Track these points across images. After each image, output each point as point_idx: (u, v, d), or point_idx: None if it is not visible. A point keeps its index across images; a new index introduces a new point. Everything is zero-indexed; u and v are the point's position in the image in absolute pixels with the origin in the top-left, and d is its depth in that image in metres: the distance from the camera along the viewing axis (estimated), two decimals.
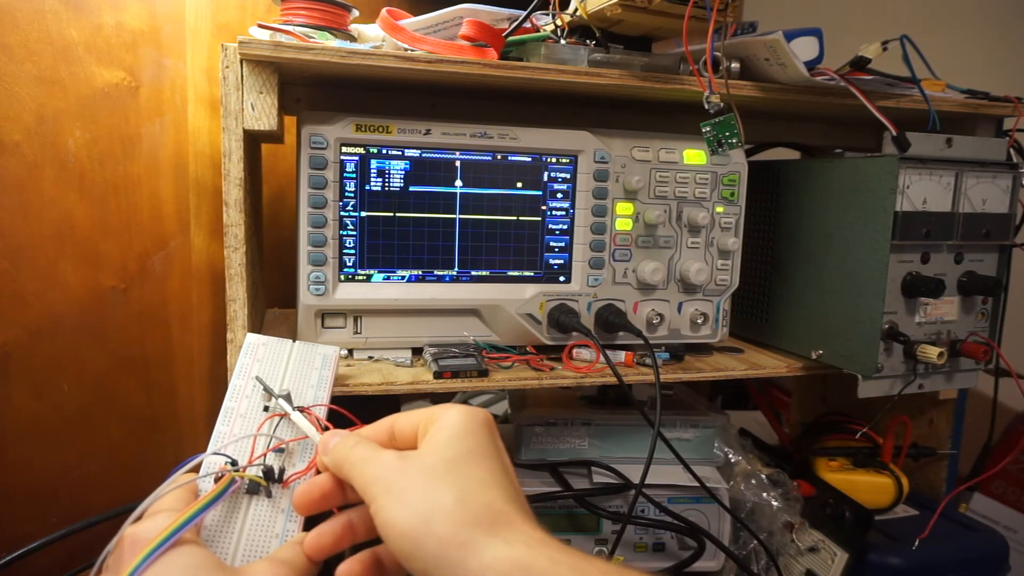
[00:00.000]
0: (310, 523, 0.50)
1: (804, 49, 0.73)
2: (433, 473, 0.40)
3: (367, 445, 0.44)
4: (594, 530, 0.80)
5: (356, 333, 0.72)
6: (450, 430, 0.42)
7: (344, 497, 0.46)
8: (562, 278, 0.76)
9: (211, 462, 0.50)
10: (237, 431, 0.53)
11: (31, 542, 0.55)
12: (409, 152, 0.70)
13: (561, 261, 0.75)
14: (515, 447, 0.81)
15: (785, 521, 0.81)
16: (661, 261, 0.76)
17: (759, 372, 0.78)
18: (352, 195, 0.69)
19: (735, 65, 0.72)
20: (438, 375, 0.67)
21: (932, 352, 0.71)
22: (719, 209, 0.77)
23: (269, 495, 0.49)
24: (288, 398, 0.54)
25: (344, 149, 0.68)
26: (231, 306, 0.64)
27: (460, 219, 0.72)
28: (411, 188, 0.70)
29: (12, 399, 0.86)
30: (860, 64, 0.72)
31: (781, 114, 0.92)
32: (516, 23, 0.69)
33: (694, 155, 0.76)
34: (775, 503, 0.80)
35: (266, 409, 0.54)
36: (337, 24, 0.72)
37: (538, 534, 0.38)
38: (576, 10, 0.70)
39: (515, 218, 0.74)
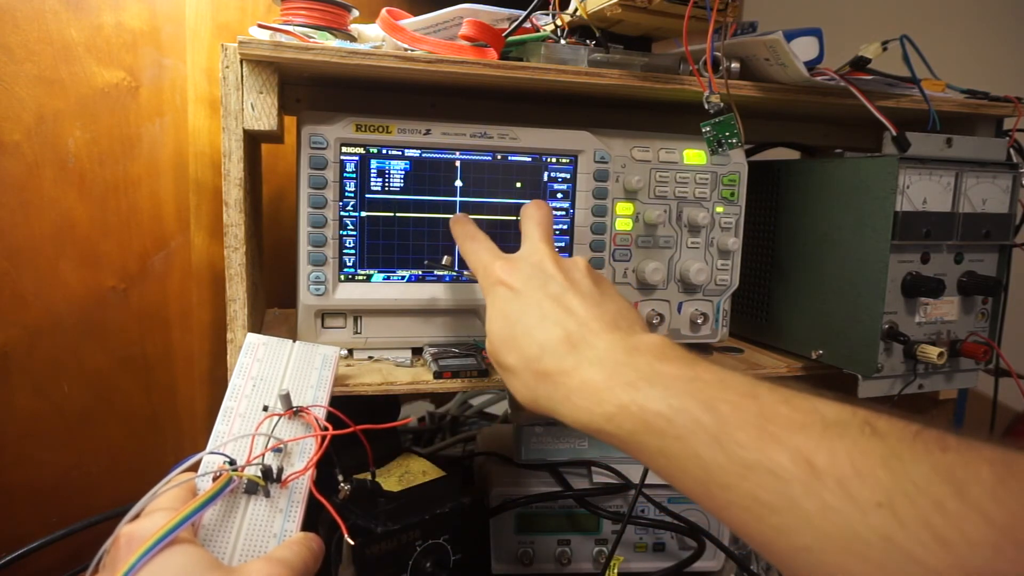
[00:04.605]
0: (308, 523, 0.50)
1: (804, 49, 0.72)
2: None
3: (480, 253, 0.60)
4: (594, 530, 0.80)
5: (356, 333, 0.72)
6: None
7: None
8: None
9: (209, 461, 0.50)
10: (236, 430, 0.53)
11: (31, 542, 0.55)
12: (409, 152, 0.70)
13: None
14: (515, 447, 0.81)
15: None
16: (661, 261, 0.76)
17: (759, 372, 0.78)
18: (352, 195, 0.69)
19: (735, 65, 0.72)
20: (438, 375, 0.67)
21: (932, 352, 0.71)
22: (719, 209, 0.77)
23: (267, 495, 0.49)
24: (287, 398, 0.54)
25: (344, 149, 0.68)
26: (231, 306, 0.64)
27: None
28: (411, 188, 0.70)
29: (12, 399, 0.86)
30: (860, 64, 0.72)
31: (781, 114, 0.92)
32: (516, 23, 0.69)
33: (694, 155, 0.76)
34: None
35: (265, 408, 0.54)
36: (337, 24, 0.72)
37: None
38: (576, 10, 0.70)
39: (515, 218, 0.74)
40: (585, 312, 0.50)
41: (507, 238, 0.74)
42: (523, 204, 0.73)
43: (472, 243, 0.61)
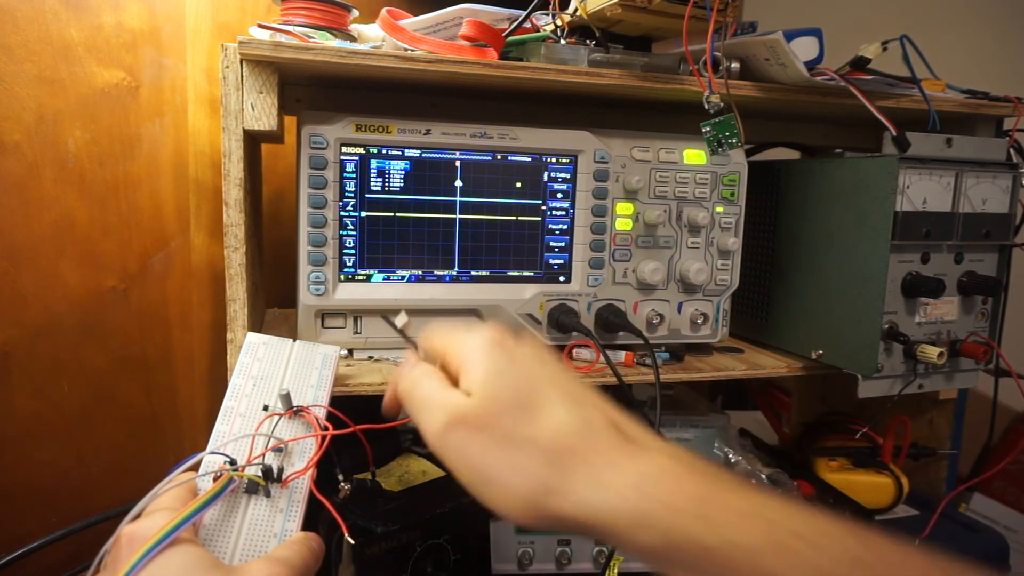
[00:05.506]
0: (308, 523, 0.50)
1: (804, 49, 0.72)
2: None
3: (427, 390, 0.42)
4: None
5: (356, 333, 0.72)
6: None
7: None
8: (562, 278, 0.76)
9: (210, 461, 0.50)
10: (236, 430, 0.53)
11: (31, 542, 0.55)
12: (409, 152, 0.70)
13: (561, 261, 0.75)
14: None
15: None
16: (661, 261, 0.76)
17: (759, 372, 0.78)
18: (352, 195, 0.69)
19: (735, 65, 0.72)
20: None
21: (932, 352, 0.71)
22: (719, 209, 0.77)
23: (268, 494, 0.49)
24: (288, 398, 0.54)
25: (344, 149, 0.68)
26: (231, 306, 0.64)
27: (460, 219, 0.72)
28: (411, 188, 0.70)
29: (12, 399, 0.86)
30: (860, 64, 0.72)
31: (781, 114, 0.92)
32: (516, 23, 0.69)
33: (694, 155, 0.76)
34: None
35: (265, 408, 0.54)
36: (337, 24, 0.72)
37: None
38: (576, 10, 0.70)
39: (515, 218, 0.74)
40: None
41: (507, 238, 0.74)
42: (523, 204, 0.73)
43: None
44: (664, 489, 0.35)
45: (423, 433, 0.40)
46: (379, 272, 0.71)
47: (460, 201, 0.72)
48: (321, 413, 0.55)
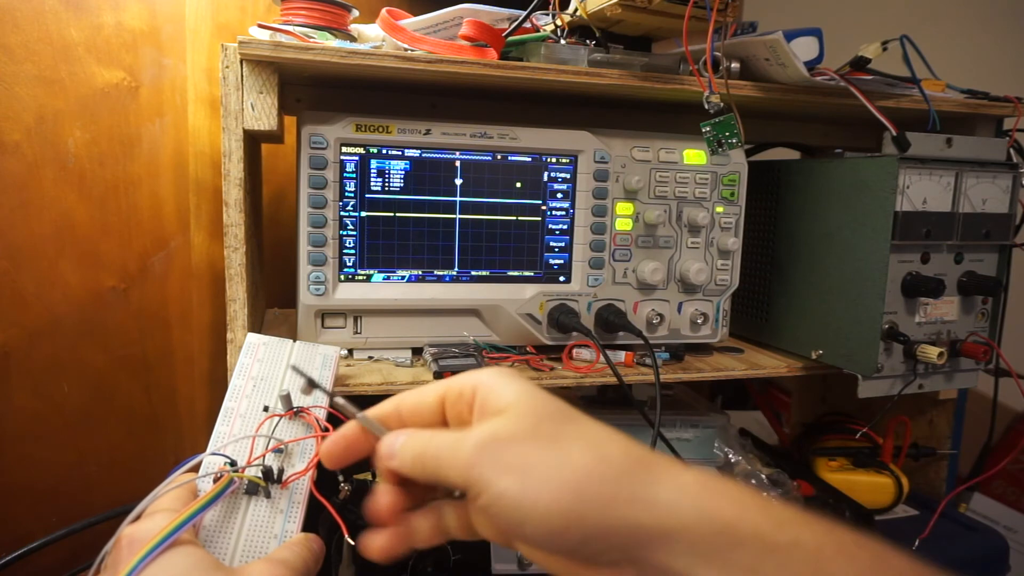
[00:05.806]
0: (309, 524, 0.50)
1: (804, 49, 0.72)
2: (549, 437, 0.35)
3: (443, 433, 0.38)
4: None
5: (356, 333, 0.72)
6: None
7: (370, 447, 0.42)
8: (562, 278, 0.76)
9: (210, 462, 0.50)
10: (237, 431, 0.53)
11: (31, 542, 0.55)
12: (409, 152, 0.70)
13: (561, 261, 0.75)
14: None
15: None
16: (661, 261, 0.76)
17: (759, 372, 0.78)
18: (352, 195, 0.69)
19: (735, 65, 0.72)
20: (438, 375, 0.67)
21: (932, 352, 0.71)
22: (719, 209, 0.77)
23: (268, 495, 0.49)
24: (288, 398, 0.54)
25: (344, 149, 0.68)
26: (231, 306, 0.64)
27: (460, 219, 0.72)
28: (411, 188, 0.70)
29: (12, 399, 0.86)
30: (860, 64, 0.72)
31: (781, 114, 0.92)
32: (516, 23, 0.69)
33: (694, 155, 0.76)
34: None
35: (266, 409, 0.54)
36: (337, 24, 0.72)
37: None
38: (576, 10, 0.70)
39: (515, 218, 0.74)
40: None
41: (507, 238, 0.74)
42: (523, 204, 0.73)
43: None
44: (724, 487, 0.34)
45: (448, 471, 0.36)
46: (379, 272, 0.71)
47: (460, 201, 0.72)
48: (321, 414, 0.55)
